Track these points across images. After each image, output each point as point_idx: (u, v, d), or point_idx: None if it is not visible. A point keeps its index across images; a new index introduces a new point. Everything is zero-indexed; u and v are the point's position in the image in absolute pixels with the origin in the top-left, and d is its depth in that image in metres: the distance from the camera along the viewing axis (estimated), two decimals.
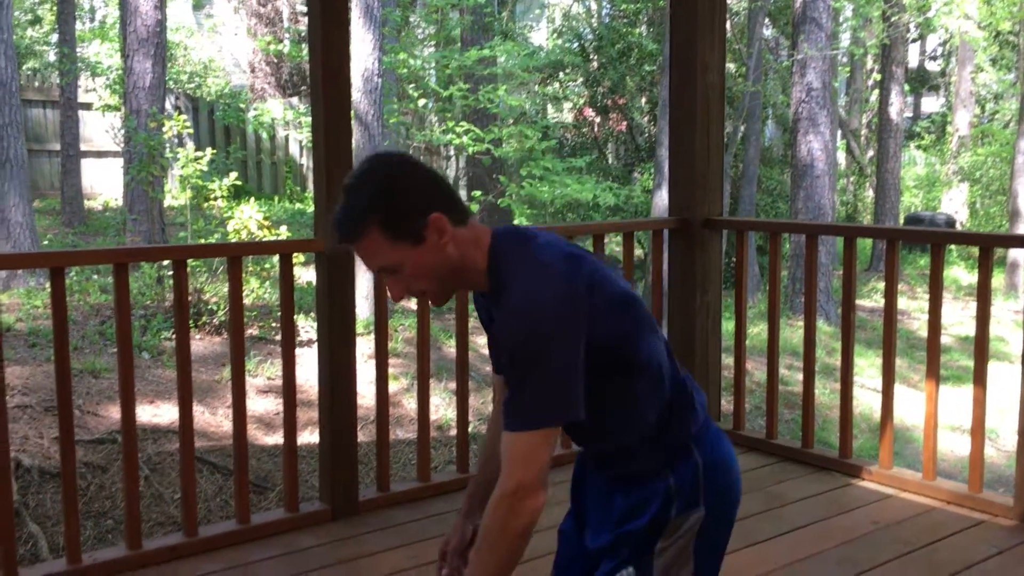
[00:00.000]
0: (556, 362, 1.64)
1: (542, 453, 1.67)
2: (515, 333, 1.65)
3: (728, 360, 4.93)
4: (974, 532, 2.92)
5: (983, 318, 3.07)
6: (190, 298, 5.57)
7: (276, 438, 5.65)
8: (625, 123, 13.71)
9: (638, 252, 12.94)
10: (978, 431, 3.11)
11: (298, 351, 3.75)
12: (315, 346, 3.50)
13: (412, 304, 9.48)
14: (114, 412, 5.26)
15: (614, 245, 13.46)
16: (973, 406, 3.11)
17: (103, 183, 12.64)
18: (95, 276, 8.25)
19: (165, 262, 7.60)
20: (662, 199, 10.07)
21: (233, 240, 7.00)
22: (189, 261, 3.06)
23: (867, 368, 9.27)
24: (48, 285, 7.53)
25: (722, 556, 1.87)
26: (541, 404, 1.65)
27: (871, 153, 17.24)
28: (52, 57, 13.91)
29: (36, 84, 13.05)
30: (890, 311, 3.32)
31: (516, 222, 10.84)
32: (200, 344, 6.88)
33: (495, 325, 1.77)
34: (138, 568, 2.69)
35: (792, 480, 3.40)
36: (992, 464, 7.67)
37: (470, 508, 2.02)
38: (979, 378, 3.10)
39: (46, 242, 8.86)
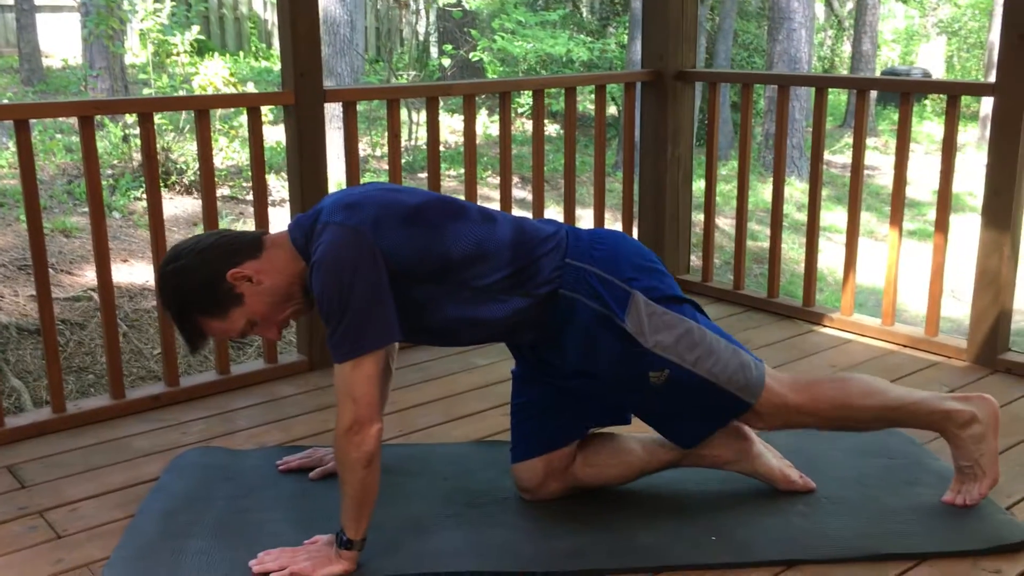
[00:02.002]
0: (360, 295, 1.80)
1: (369, 384, 1.83)
2: (320, 285, 1.81)
3: (699, 217, 4.98)
4: (928, 373, 3.05)
5: (947, 167, 3.12)
6: (157, 157, 5.50)
7: None
8: None
9: (612, 110, 12.79)
10: (937, 276, 3.20)
11: (270, 211, 3.75)
12: (287, 205, 3.51)
13: (384, 164, 9.40)
14: (88, 271, 5.27)
15: (587, 103, 13.30)
16: (933, 252, 3.20)
17: (60, 40, 12.21)
18: (59, 136, 8.10)
19: (130, 120, 7.46)
20: (637, 54, 9.90)
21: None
22: (155, 118, 3.01)
23: (837, 224, 9.38)
24: (11, 144, 7.36)
25: (677, 289, 2.04)
26: (358, 333, 1.81)
27: (850, 6, 16.90)
28: None
29: None
30: (857, 159, 3.36)
31: (489, 77, 10.65)
32: (170, 204, 6.84)
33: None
34: (122, 415, 2.76)
35: (757, 328, 3.51)
36: (953, 317, 7.90)
37: None
38: (941, 225, 3.17)
39: (6, 100, 8.63)
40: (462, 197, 3.43)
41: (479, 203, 3.72)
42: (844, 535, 2.03)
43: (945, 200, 3.16)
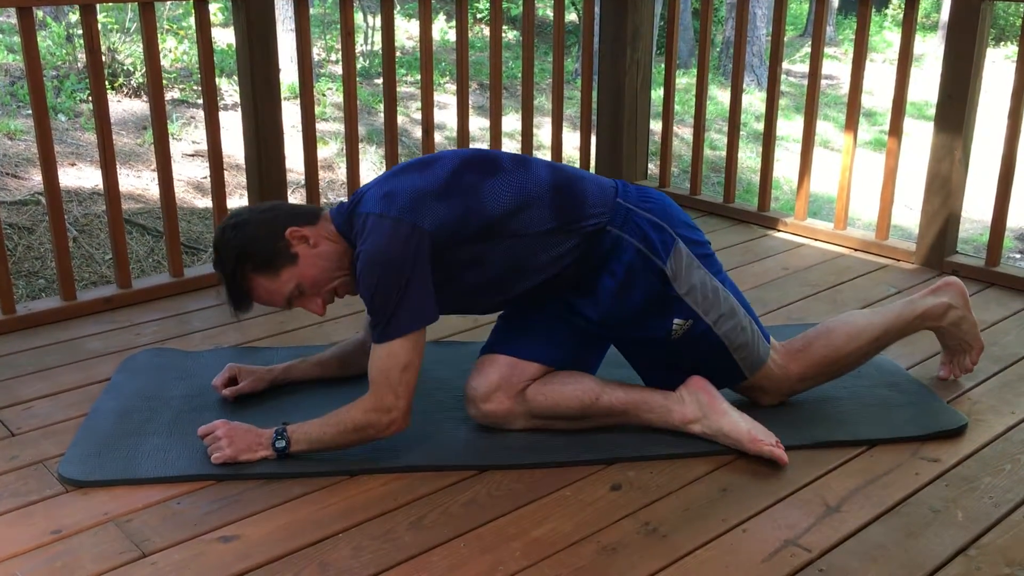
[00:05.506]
0: (404, 285, 1.86)
1: (408, 371, 1.89)
2: (367, 279, 1.87)
3: (658, 126, 4.98)
4: (876, 275, 3.11)
5: (903, 70, 3.12)
6: (103, 59, 5.31)
7: (207, 202, 5.62)
8: None
9: (572, 17, 12.58)
10: (889, 180, 3.24)
11: (222, 115, 3.63)
12: (239, 110, 3.42)
13: (338, 68, 9.19)
14: (35, 174, 5.15)
15: (547, 8, 13.04)
16: (886, 156, 3.23)
17: None
18: None
19: (74, 19, 7.19)
20: None
21: None
22: (100, 15, 2.89)
23: (796, 133, 9.39)
24: None
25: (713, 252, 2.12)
26: (401, 318, 1.87)
27: None
28: None
29: None
30: (815, 67, 3.35)
31: None
32: (119, 107, 6.66)
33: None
34: (74, 317, 2.73)
35: (712, 232, 3.53)
36: (905, 225, 8.02)
37: (306, 369, 2.30)
38: (895, 129, 3.20)
39: None
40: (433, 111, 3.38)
41: (435, 111, 3.65)
42: (792, 424, 2.10)
43: (900, 104, 3.17)
